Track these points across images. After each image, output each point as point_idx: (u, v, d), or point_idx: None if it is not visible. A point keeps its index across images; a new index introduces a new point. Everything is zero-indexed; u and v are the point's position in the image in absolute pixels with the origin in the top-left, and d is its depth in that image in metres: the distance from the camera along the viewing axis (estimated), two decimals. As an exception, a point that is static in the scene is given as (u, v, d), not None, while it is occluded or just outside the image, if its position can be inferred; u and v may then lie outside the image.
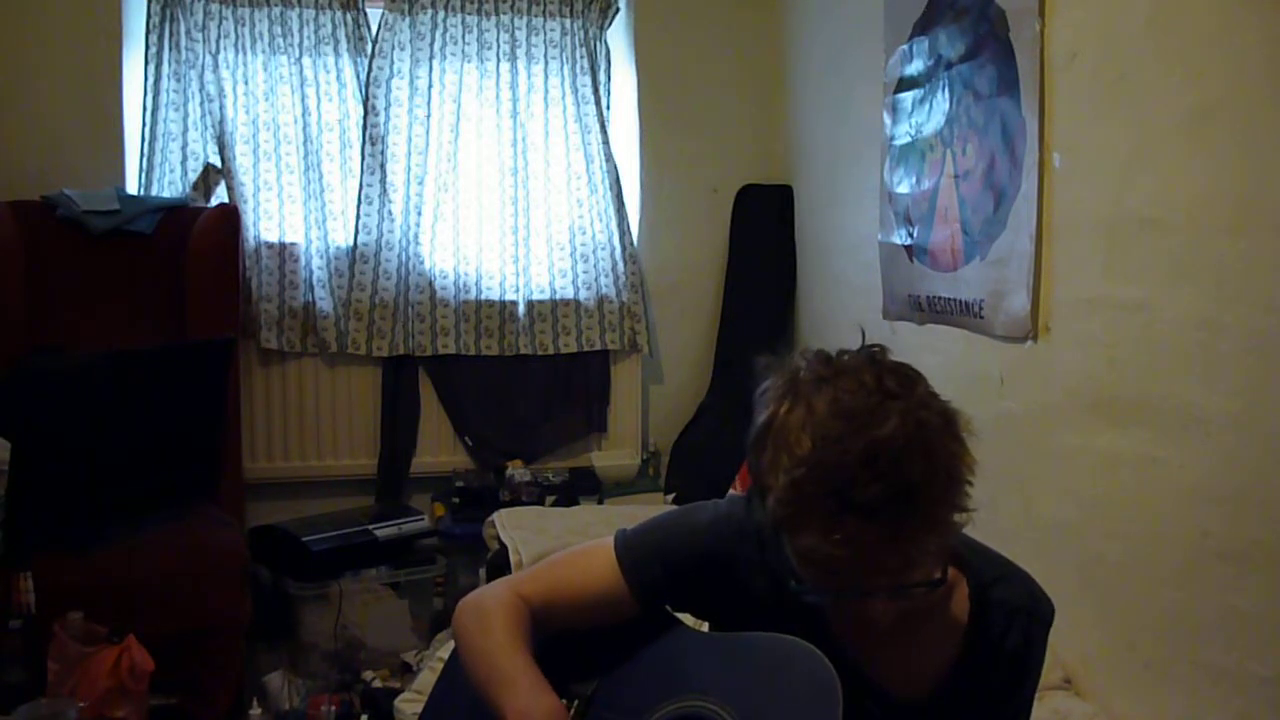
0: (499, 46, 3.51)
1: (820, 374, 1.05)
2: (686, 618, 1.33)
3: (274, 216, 3.38)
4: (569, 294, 3.59)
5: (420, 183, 3.45)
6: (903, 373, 1.06)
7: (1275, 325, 1.62)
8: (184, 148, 3.34)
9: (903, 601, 1.08)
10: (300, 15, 3.37)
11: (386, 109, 3.41)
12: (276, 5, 3.35)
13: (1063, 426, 2.12)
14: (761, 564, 1.20)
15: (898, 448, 0.99)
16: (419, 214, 3.45)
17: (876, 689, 1.18)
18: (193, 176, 3.34)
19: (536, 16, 3.54)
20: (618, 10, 3.60)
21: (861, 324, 2.89)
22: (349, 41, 3.42)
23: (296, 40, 3.37)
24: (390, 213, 3.43)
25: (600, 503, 3.38)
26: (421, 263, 3.47)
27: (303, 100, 3.38)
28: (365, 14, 3.43)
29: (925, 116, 2.61)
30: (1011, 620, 1.18)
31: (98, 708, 1.94)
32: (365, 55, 3.41)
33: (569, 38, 3.55)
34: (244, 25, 3.34)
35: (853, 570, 1.03)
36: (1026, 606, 1.19)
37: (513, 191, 3.53)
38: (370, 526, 3.13)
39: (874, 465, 0.98)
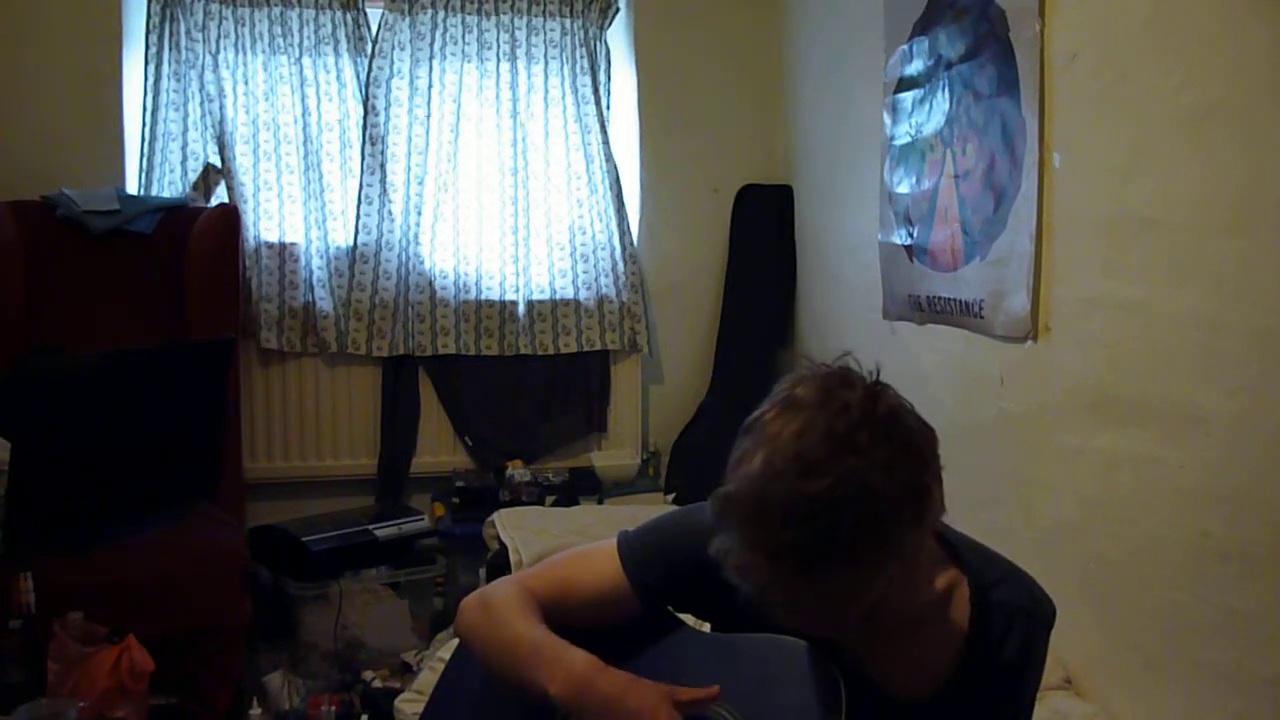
0: (499, 46, 3.51)
1: (813, 398, 1.03)
2: (688, 618, 1.33)
3: (274, 216, 3.38)
4: (569, 294, 3.59)
5: (420, 183, 3.45)
6: (887, 427, 1.01)
7: (1275, 325, 1.62)
8: (184, 148, 3.34)
9: (833, 629, 1.09)
10: (300, 15, 3.37)
11: (386, 109, 3.41)
12: (276, 5, 3.35)
13: (1063, 426, 2.12)
14: None
15: (815, 507, 0.97)
16: (419, 214, 3.45)
17: (878, 689, 1.18)
18: (193, 176, 3.34)
19: (536, 16, 3.54)
20: (618, 10, 3.60)
21: (872, 325, 2.91)
22: (349, 41, 3.42)
23: (296, 40, 3.37)
24: (390, 213, 3.43)
25: (600, 503, 3.38)
26: (421, 263, 3.47)
27: (303, 100, 3.38)
28: (365, 14, 3.43)
29: (925, 116, 2.61)
30: (1013, 622, 1.17)
31: (98, 708, 1.94)
32: (365, 55, 3.41)
33: (569, 38, 3.55)
34: (244, 25, 3.34)
35: (756, 589, 1.04)
36: (1028, 608, 1.19)
37: (513, 191, 3.53)
38: (370, 526, 3.13)
39: (789, 514, 0.97)
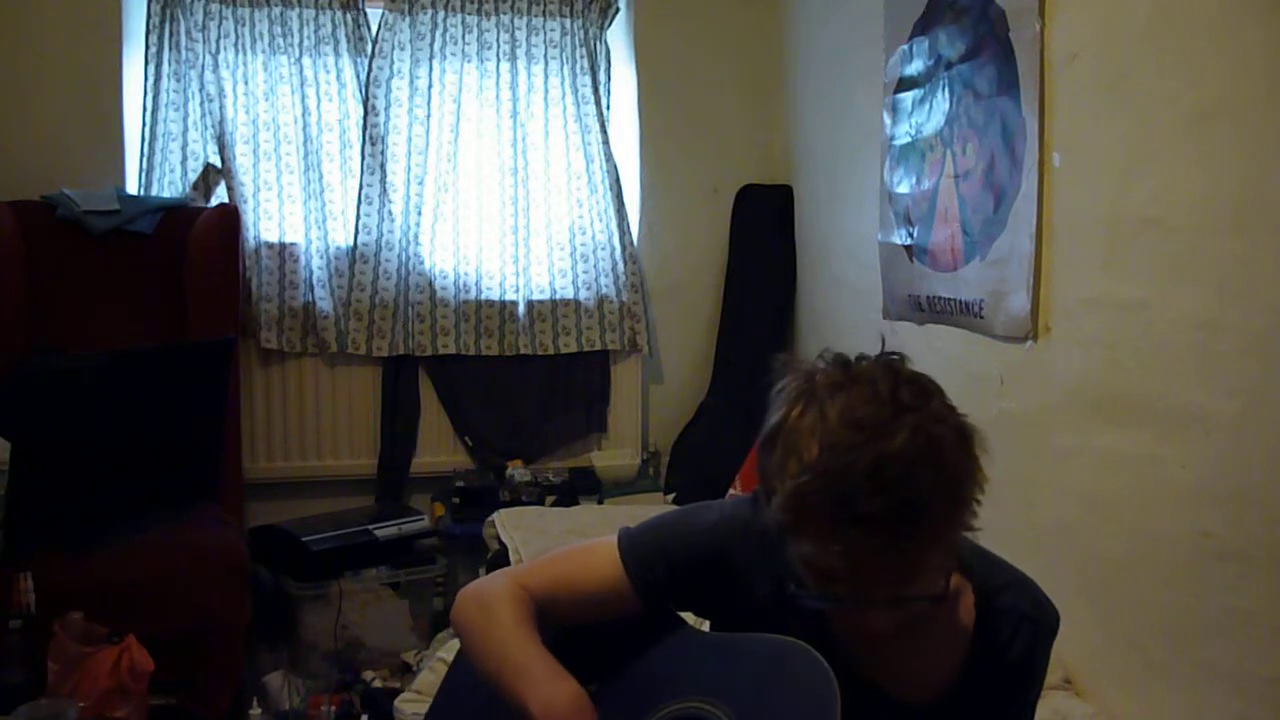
0: (499, 46, 3.51)
1: (836, 379, 1.04)
2: (688, 616, 1.33)
3: (274, 216, 3.38)
4: (569, 294, 3.59)
5: (420, 183, 3.45)
6: (919, 384, 1.05)
7: (1275, 325, 1.62)
8: (184, 148, 3.34)
9: (902, 614, 1.07)
10: (300, 15, 3.37)
11: (386, 109, 3.41)
12: (276, 5, 3.35)
13: (1063, 426, 2.12)
14: (765, 566, 1.20)
15: (905, 462, 0.98)
16: (419, 214, 3.45)
17: (879, 692, 1.18)
18: (193, 176, 3.34)
19: (536, 16, 3.54)
20: (618, 10, 3.60)
21: (871, 325, 2.91)
22: (349, 41, 3.42)
23: (296, 40, 3.37)
24: (390, 213, 3.43)
25: (600, 503, 3.38)
26: (421, 263, 3.47)
27: (303, 100, 3.38)
28: (365, 14, 3.43)
29: (925, 116, 2.61)
30: (1017, 628, 1.17)
31: (98, 708, 1.93)
32: (365, 55, 3.41)
33: (569, 38, 3.55)
34: (244, 25, 3.34)
35: (851, 580, 1.03)
36: (1032, 614, 1.19)
37: (513, 191, 3.53)
38: (370, 526, 3.13)
39: (879, 478, 0.97)
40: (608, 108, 3.61)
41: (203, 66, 3.30)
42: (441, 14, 3.46)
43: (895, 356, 1.08)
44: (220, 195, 3.36)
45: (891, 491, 0.97)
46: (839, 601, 1.07)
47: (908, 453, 0.98)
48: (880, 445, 0.98)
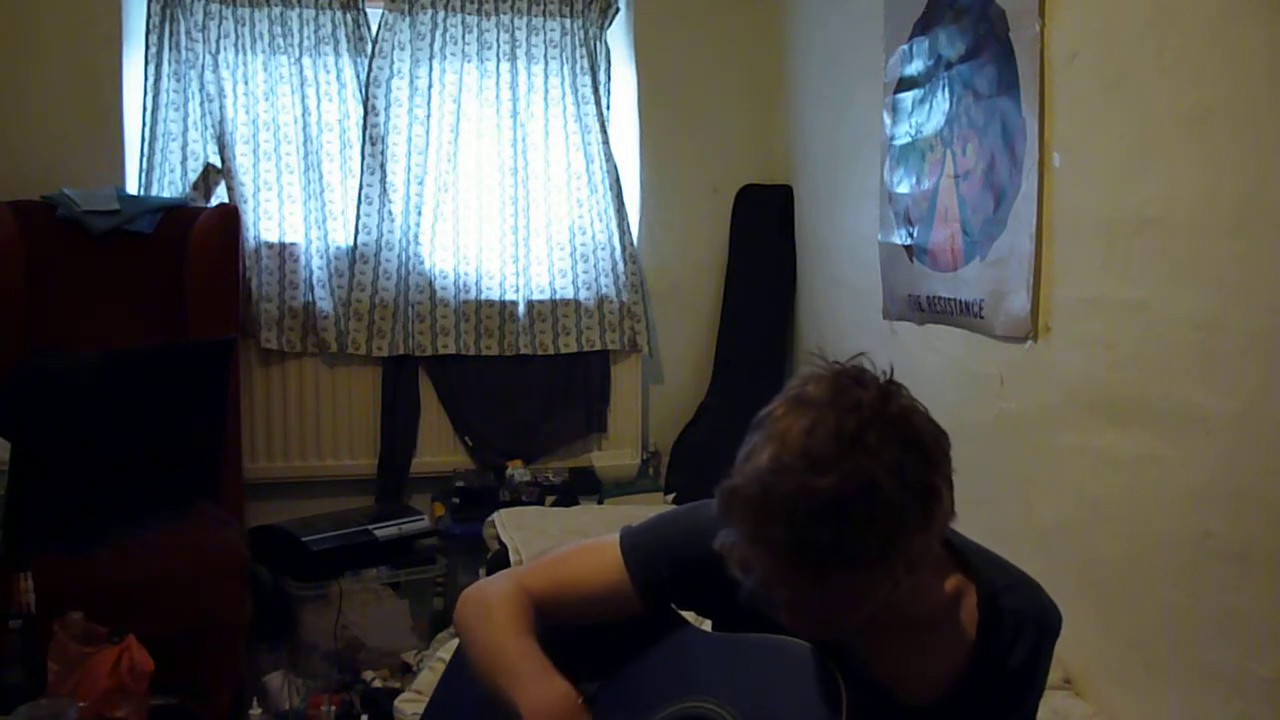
0: (499, 46, 3.51)
1: (824, 396, 1.02)
2: (690, 616, 1.33)
3: (274, 216, 3.38)
4: (569, 294, 3.59)
5: (420, 183, 3.45)
6: (897, 427, 1.00)
7: (1275, 325, 1.62)
8: (184, 148, 3.34)
9: (830, 632, 1.09)
10: (300, 15, 3.37)
11: (386, 109, 3.41)
12: (276, 5, 3.35)
13: (1063, 426, 2.12)
14: None
15: (821, 504, 0.96)
16: (419, 214, 3.45)
17: (883, 692, 1.18)
18: (193, 176, 3.34)
19: (536, 16, 3.54)
20: (618, 10, 3.60)
21: (872, 325, 2.91)
22: (349, 41, 3.42)
23: (296, 40, 3.37)
24: (390, 213, 3.43)
25: (600, 503, 3.38)
26: (421, 263, 3.46)
27: (303, 100, 3.38)
28: (365, 14, 3.43)
29: (925, 116, 2.61)
30: (1021, 629, 1.17)
31: (98, 708, 1.93)
32: (365, 55, 3.41)
33: (569, 38, 3.55)
34: (244, 25, 3.34)
35: (761, 581, 1.04)
36: (1036, 616, 1.19)
37: (513, 191, 3.53)
38: (370, 526, 3.14)
39: (789, 510, 0.97)
40: (608, 108, 3.60)
41: (203, 66, 3.30)
42: (441, 14, 3.46)
43: (893, 387, 1.04)
44: (220, 195, 3.36)
45: (796, 527, 0.97)
46: (753, 590, 1.07)
47: (829, 496, 0.96)
48: (807, 480, 0.97)
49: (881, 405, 1.01)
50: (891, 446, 0.98)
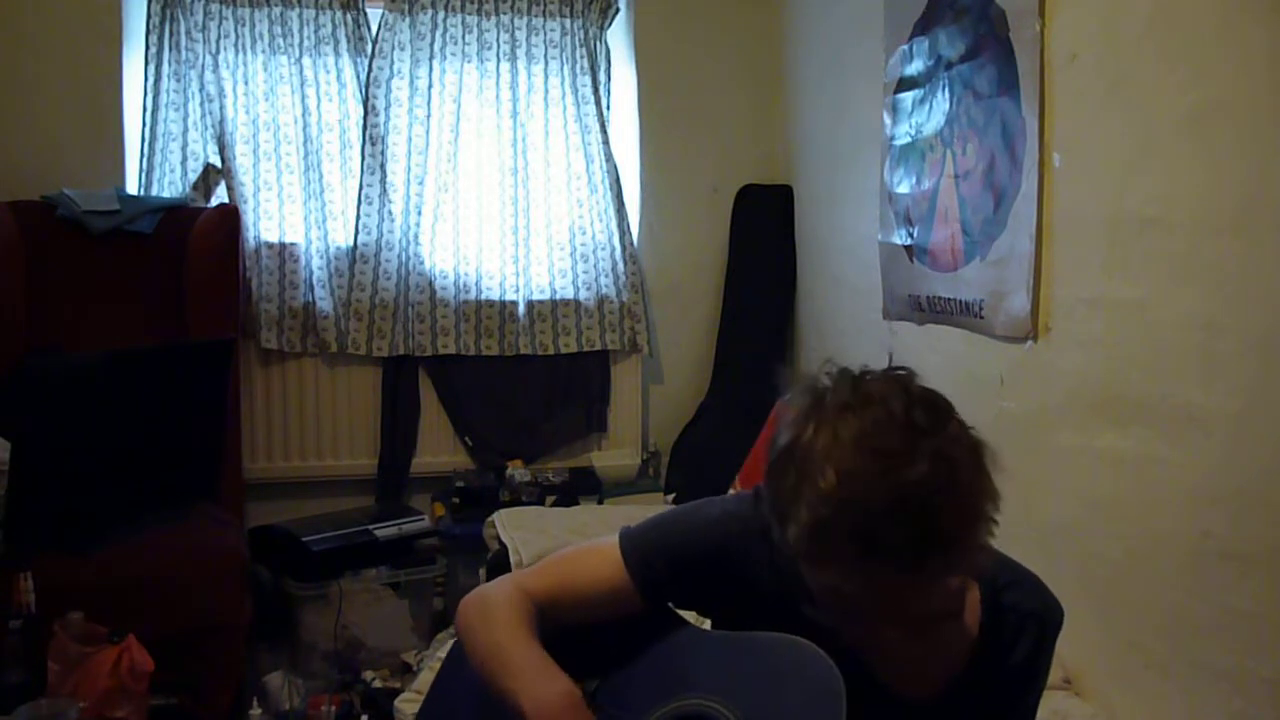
0: (499, 46, 3.51)
1: (845, 399, 1.01)
2: (688, 615, 1.33)
3: (274, 216, 3.38)
4: (569, 294, 3.59)
5: (420, 183, 3.45)
6: (932, 404, 1.02)
7: (1275, 325, 1.62)
8: (184, 148, 3.34)
9: (921, 633, 1.06)
10: (300, 15, 3.37)
11: (386, 109, 3.41)
12: (276, 5, 3.35)
13: (1063, 426, 2.12)
14: (768, 562, 1.20)
15: (927, 491, 0.95)
16: (419, 214, 3.45)
17: (884, 689, 1.18)
18: (193, 176, 3.34)
19: (536, 16, 3.54)
20: (618, 10, 3.60)
21: (872, 325, 2.91)
22: (349, 41, 3.42)
23: (296, 40, 3.37)
24: (390, 213, 3.43)
25: (600, 503, 3.38)
26: (421, 263, 3.47)
27: (303, 100, 3.38)
28: (365, 14, 3.43)
29: (925, 116, 2.61)
30: (1024, 625, 1.17)
31: (98, 708, 1.93)
32: (365, 55, 3.41)
33: (569, 38, 3.55)
34: (244, 25, 3.34)
35: (872, 607, 1.02)
36: (1039, 612, 1.19)
37: (513, 191, 3.53)
38: (370, 526, 3.13)
39: (903, 510, 0.95)
40: (608, 108, 3.61)
41: (203, 66, 3.30)
42: (441, 14, 3.46)
43: (903, 372, 1.05)
44: (220, 195, 3.36)
45: (916, 523, 0.95)
46: (856, 624, 1.06)
47: (929, 482, 0.96)
48: (901, 475, 0.95)
49: (906, 388, 1.02)
50: (940, 420, 1.01)
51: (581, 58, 3.55)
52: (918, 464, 0.96)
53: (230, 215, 3.15)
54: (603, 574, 1.27)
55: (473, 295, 3.51)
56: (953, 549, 0.98)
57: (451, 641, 1.45)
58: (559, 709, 1.15)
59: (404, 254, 3.45)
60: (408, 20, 3.43)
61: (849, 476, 0.96)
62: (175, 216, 3.16)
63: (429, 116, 3.45)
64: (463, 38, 3.49)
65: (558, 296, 3.59)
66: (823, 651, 1.12)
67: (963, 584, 1.05)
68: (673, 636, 1.28)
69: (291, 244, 3.38)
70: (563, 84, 3.55)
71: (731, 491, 2.95)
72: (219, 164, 3.34)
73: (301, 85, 3.38)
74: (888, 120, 2.81)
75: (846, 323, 3.23)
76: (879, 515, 0.95)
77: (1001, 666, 1.17)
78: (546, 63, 3.55)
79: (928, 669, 1.18)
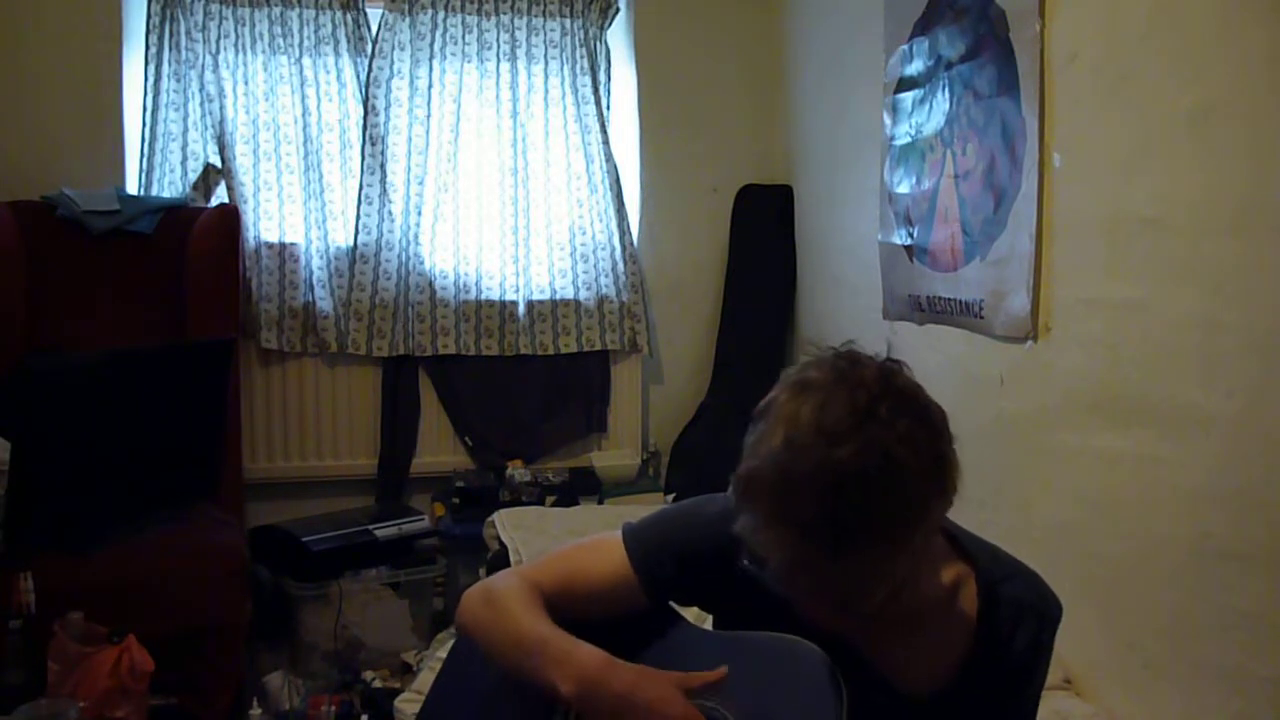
0: (499, 46, 3.51)
1: (828, 377, 1.03)
2: (690, 612, 1.33)
3: (274, 216, 3.38)
4: (569, 294, 3.59)
5: (420, 183, 3.45)
6: (904, 400, 1.02)
7: (1275, 325, 1.62)
8: (184, 148, 3.34)
9: (849, 619, 1.07)
10: (300, 15, 3.37)
11: (386, 109, 3.41)
12: (276, 5, 3.35)
13: (1063, 426, 2.12)
14: None
15: (847, 476, 0.97)
16: (419, 214, 3.45)
17: (883, 683, 1.18)
18: (193, 176, 3.34)
19: (536, 17, 3.54)
20: (618, 10, 3.60)
21: (872, 325, 2.91)
22: (349, 41, 3.42)
23: (296, 40, 3.37)
24: (390, 213, 3.43)
25: (600, 503, 3.38)
26: (421, 263, 3.47)
27: (303, 100, 3.38)
28: (365, 14, 3.43)
29: (925, 116, 2.61)
30: (1021, 618, 1.17)
31: (98, 708, 1.93)
32: (365, 55, 3.41)
33: (569, 38, 3.55)
34: (244, 25, 3.34)
35: (785, 573, 1.03)
36: (1036, 605, 1.19)
37: (513, 191, 3.53)
38: (370, 526, 3.13)
39: (816, 486, 0.97)
40: (608, 108, 3.61)
41: (203, 66, 3.30)
42: (441, 14, 3.46)
43: (894, 365, 1.06)
44: (220, 195, 3.36)
45: (823, 501, 0.97)
46: (775, 582, 1.07)
47: (851, 467, 0.97)
48: (829, 453, 0.97)
49: (885, 380, 1.03)
50: (903, 418, 1.00)
51: (581, 58, 3.55)
52: (847, 446, 0.97)
53: (230, 215, 3.15)
54: (606, 569, 1.27)
55: (473, 295, 3.51)
56: (858, 539, 0.98)
57: (452, 641, 1.45)
58: (598, 674, 1.15)
59: (404, 254, 3.45)
60: (408, 20, 3.43)
61: (788, 443, 0.99)
62: (175, 216, 3.16)
63: (429, 116, 3.45)
64: (463, 38, 3.49)
65: (558, 296, 3.59)
66: (822, 650, 1.12)
67: (883, 580, 1.04)
68: (671, 637, 1.28)
69: (291, 244, 3.38)
70: (563, 84, 3.55)
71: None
72: (219, 164, 3.34)
73: (301, 85, 3.38)
74: (888, 120, 2.81)
75: (846, 323, 3.23)
76: (796, 481, 0.98)
77: (1000, 660, 1.17)
78: (546, 63, 3.55)
79: (926, 664, 1.18)
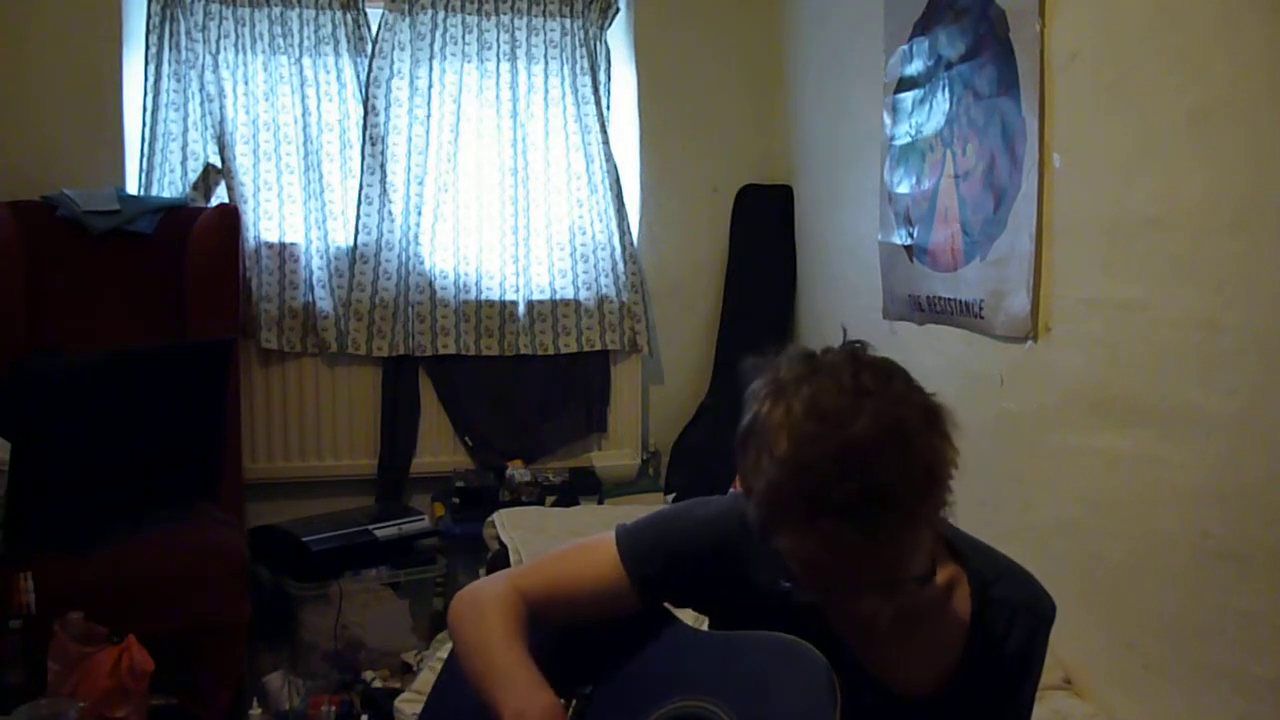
0: (499, 46, 3.51)
1: (800, 372, 1.05)
2: (686, 614, 1.33)
3: (274, 216, 3.38)
4: (569, 294, 3.59)
5: (420, 183, 3.45)
6: (881, 368, 1.05)
7: (1275, 325, 1.62)
8: (184, 148, 3.34)
9: (893, 599, 1.07)
10: (300, 15, 3.37)
11: (386, 109, 3.41)
12: (276, 5, 3.35)
13: (1063, 426, 2.12)
14: (763, 558, 1.20)
15: (869, 446, 0.98)
16: (419, 214, 3.45)
17: (879, 685, 1.18)
18: (193, 176, 3.34)
19: (536, 16, 3.54)
20: (618, 10, 3.60)
21: (847, 323, 2.92)
22: (349, 41, 3.42)
23: (296, 40, 3.37)
24: (390, 213, 3.43)
25: (600, 503, 3.38)
26: (421, 263, 3.46)
27: (303, 100, 3.38)
28: (365, 14, 3.43)
29: (925, 116, 2.61)
30: (1014, 618, 1.18)
31: (98, 708, 1.94)
32: (365, 55, 3.41)
33: (569, 38, 3.55)
34: (244, 25, 3.34)
35: (835, 569, 1.03)
36: (1029, 605, 1.19)
37: (513, 191, 3.53)
38: (370, 526, 3.13)
39: (845, 465, 0.98)
40: (608, 108, 3.60)
41: (203, 66, 3.30)
42: (441, 14, 3.46)
43: (857, 344, 1.08)
44: (220, 195, 3.35)
45: (859, 477, 0.98)
46: (829, 592, 1.07)
47: (871, 437, 0.98)
48: (843, 433, 0.98)
49: (854, 356, 1.06)
50: (887, 381, 1.03)
51: (581, 58, 3.55)
52: (859, 420, 0.99)
53: (230, 215, 3.15)
54: (599, 571, 1.27)
55: (473, 295, 3.51)
56: (900, 504, 0.99)
57: (451, 642, 1.45)
58: None
59: (404, 254, 3.45)
60: (408, 20, 3.43)
61: (798, 441, 1.00)
62: (175, 216, 3.16)
63: (429, 116, 3.45)
64: (463, 38, 3.49)
65: (558, 296, 3.59)
66: (817, 650, 1.12)
67: (923, 544, 1.06)
68: (668, 638, 1.28)
69: (291, 244, 3.38)
70: (563, 84, 3.55)
71: (732, 490, 2.95)
72: (219, 164, 3.34)
73: (301, 85, 3.38)
74: (888, 120, 2.81)
75: (846, 323, 3.23)
76: (823, 472, 0.98)
77: (995, 659, 1.17)
78: (546, 63, 3.55)
79: (922, 664, 1.18)
